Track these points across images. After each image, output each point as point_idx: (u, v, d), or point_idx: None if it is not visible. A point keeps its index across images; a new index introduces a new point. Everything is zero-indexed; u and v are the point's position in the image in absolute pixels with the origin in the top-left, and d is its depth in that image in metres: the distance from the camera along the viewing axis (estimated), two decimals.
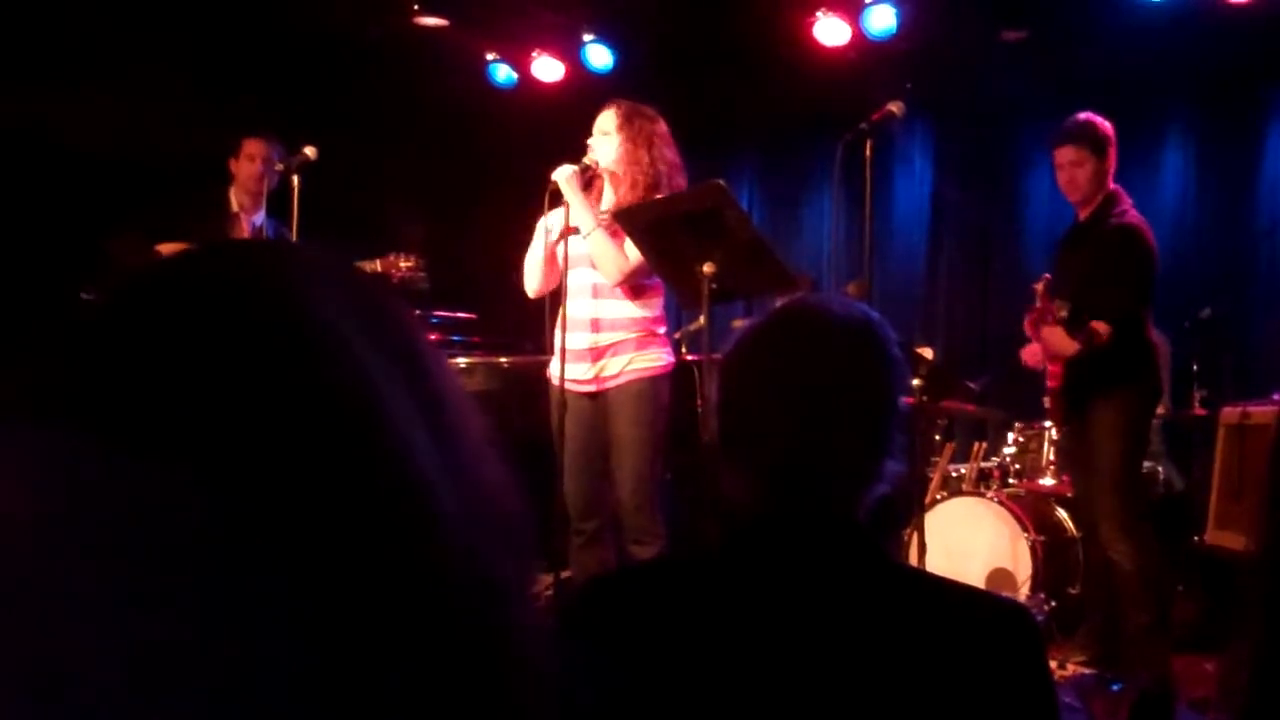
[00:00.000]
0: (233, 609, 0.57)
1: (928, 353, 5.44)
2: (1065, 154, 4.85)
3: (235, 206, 5.69)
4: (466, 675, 0.65)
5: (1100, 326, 4.55)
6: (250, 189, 5.64)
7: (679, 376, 4.67)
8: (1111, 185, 4.85)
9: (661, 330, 4.54)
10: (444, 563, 0.66)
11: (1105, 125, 4.84)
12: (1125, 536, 4.62)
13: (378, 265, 5.25)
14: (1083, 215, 4.87)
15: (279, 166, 5.21)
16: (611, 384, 4.42)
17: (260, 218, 5.69)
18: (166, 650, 0.56)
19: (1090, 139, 4.80)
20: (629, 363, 4.40)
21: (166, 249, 5.37)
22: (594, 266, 4.42)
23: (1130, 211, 4.79)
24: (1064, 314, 4.66)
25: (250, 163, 5.64)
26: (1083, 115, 4.89)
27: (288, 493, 0.61)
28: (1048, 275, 4.93)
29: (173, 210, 5.59)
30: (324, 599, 0.60)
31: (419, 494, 0.66)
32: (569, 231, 4.40)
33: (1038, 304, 4.88)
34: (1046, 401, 5.06)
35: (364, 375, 0.65)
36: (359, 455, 0.64)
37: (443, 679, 0.64)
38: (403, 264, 5.25)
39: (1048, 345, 4.79)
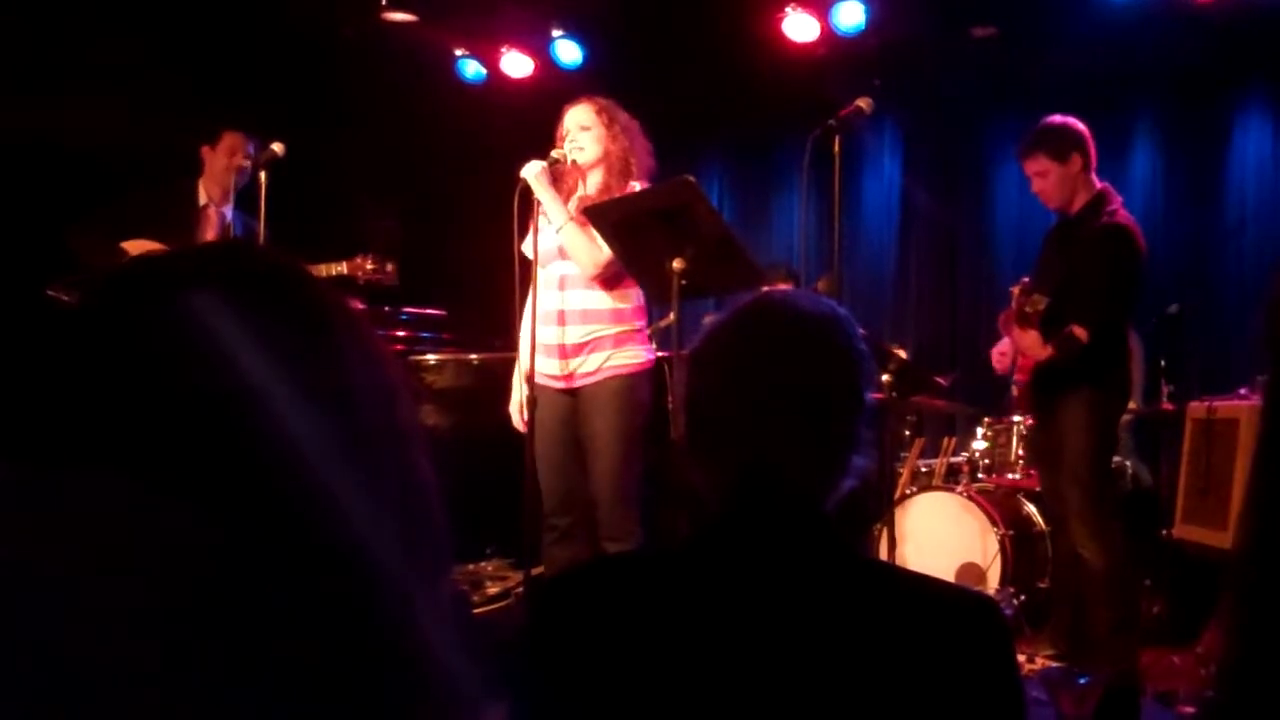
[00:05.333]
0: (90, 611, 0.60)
1: (901, 354, 5.44)
2: (1029, 166, 4.84)
3: (204, 199, 5.65)
4: (351, 671, 0.66)
5: (1079, 332, 4.55)
6: (223, 182, 5.60)
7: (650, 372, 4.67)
8: (1099, 184, 4.81)
9: (640, 323, 4.53)
10: (322, 561, 0.67)
11: (1071, 126, 4.80)
12: (1095, 534, 4.63)
13: (344, 267, 5.20)
14: (1070, 213, 4.83)
15: (247, 163, 5.17)
16: (590, 380, 4.40)
17: (230, 211, 5.66)
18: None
19: (1049, 146, 4.76)
20: (607, 359, 4.39)
21: (132, 246, 5.33)
22: (563, 258, 4.42)
23: (1120, 211, 4.75)
24: (1041, 307, 4.65)
25: (228, 157, 5.60)
26: (1045, 121, 4.86)
27: (175, 493, 0.66)
28: (1026, 279, 4.90)
29: (141, 205, 5.55)
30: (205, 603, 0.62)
31: (303, 498, 0.69)
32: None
33: (1013, 304, 4.86)
34: (1014, 390, 5.05)
35: (242, 385, 0.70)
36: (233, 466, 0.69)
37: (329, 675, 0.65)
38: (369, 266, 5.20)
39: (1021, 347, 4.78)
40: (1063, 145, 4.76)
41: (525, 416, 4.49)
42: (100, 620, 0.58)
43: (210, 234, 5.65)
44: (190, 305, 0.71)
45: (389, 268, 5.21)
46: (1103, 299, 4.65)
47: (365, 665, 0.66)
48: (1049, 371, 4.70)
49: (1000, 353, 5.00)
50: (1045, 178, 4.79)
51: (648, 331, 4.67)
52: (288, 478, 0.67)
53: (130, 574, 0.60)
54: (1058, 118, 4.86)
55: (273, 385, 0.68)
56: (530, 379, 4.36)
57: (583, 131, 4.45)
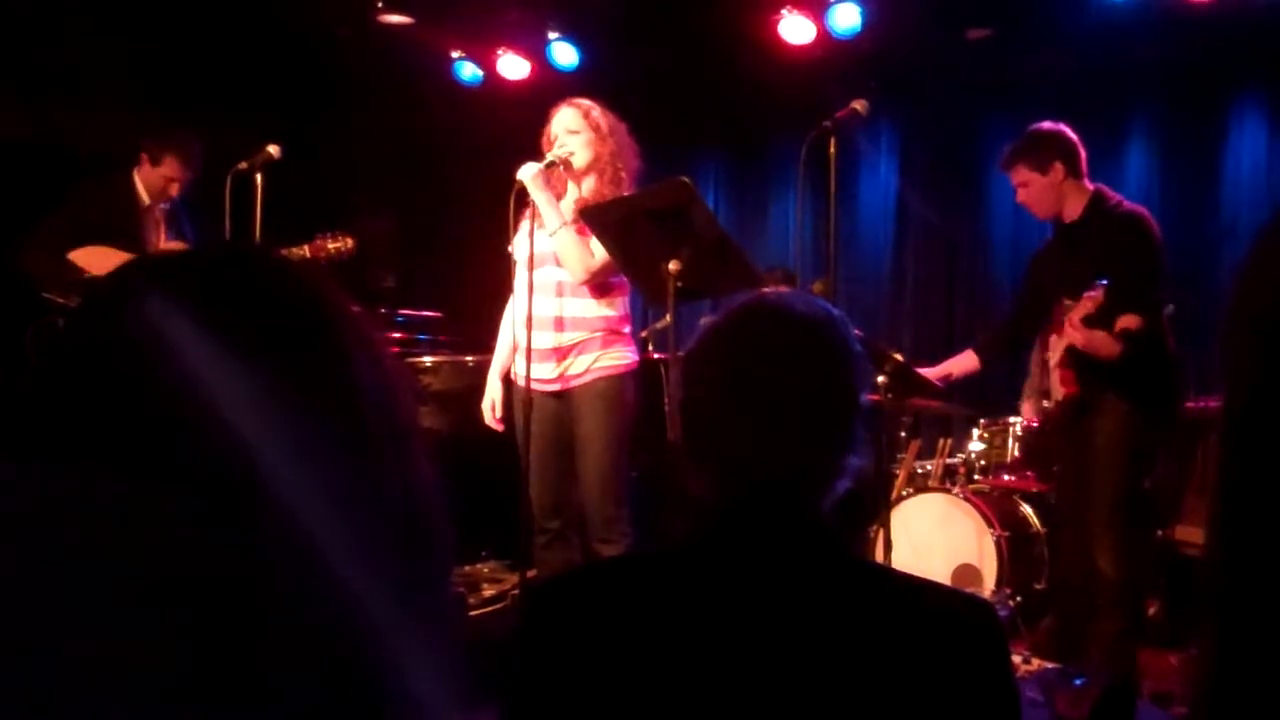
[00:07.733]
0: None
1: (897, 356, 5.41)
2: (1012, 177, 4.75)
3: (146, 199, 5.61)
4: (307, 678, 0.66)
5: (1130, 321, 4.40)
6: (158, 193, 5.60)
7: (645, 375, 4.67)
8: (1091, 186, 4.71)
9: (626, 329, 4.54)
10: (299, 563, 0.67)
11: (1053, 134, 4.71)
12: (1117, 547, 4.49)
13: (305, 250, 5.17)
14: (1068, 218, 4.72)
15: (243, 165, 5.15)
16: (577, 383, 4.41)
17: (174, 202, 5.66)
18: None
19: (1029, 157, 4.68)
20: (595, 361, 4.40)
21: (79, 256, 5.32)
22: (559, 264, 4.41)
23: (1125, 202, 4.68)
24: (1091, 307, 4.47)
25: (165, 179, 5.56)
26: (1027, 131, 4.77)
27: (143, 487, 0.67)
28: (1068, 301, 4.56)
29: (81, 211, 5.49)
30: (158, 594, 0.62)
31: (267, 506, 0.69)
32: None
33: (1073, 312, 4.49)
34: (1051, 395, 4.83)
35: (207, 386, 0.71)
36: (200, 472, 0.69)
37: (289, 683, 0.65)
38: (330, 245, 5.16)
39: (1094, 346, 4.46)
40: (1043, 155, 4.66)
41: (497, 415, 4.58)
42: (67, 618, 0.58)
43: (158, 233, 5.63)
44: (150, 308, 0.71)
45: (349, 242, 5.19)
46: (1144, 284, 4.51)
47: (340, 678, 0.66)
48: (1093, 383, 4.57)
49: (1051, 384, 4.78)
50: (1028, 188, 4.70)
51: (641, 334, 4.68)
52: (256, 477, 0.67)
53: (99, 569, 0.60)
54: (1041, 125, 4.77)
55: (250, 387, 0.68)
56: (526, 385, 4.35)
57: (571, 135, 4.44)
